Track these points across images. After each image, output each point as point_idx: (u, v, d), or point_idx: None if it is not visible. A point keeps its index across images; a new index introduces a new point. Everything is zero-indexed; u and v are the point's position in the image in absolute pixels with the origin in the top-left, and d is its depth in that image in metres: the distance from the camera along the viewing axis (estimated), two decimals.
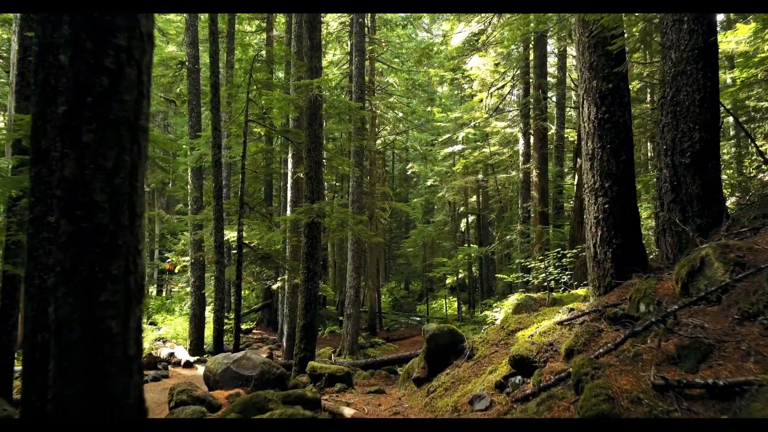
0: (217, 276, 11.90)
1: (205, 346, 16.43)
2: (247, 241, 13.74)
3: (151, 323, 19.13)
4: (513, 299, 12.59)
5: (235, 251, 14.51)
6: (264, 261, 12.95)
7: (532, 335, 5.88)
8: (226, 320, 19.36)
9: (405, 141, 31.96)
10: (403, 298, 33.64)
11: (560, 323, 5.65)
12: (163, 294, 27.27)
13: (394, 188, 34.61)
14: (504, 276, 17.46)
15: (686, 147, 7.16)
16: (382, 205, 25.57)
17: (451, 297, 30.31)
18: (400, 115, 25.39)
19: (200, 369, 14.69)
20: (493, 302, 24.76)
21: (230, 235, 14.36)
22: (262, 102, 12.98)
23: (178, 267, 21.15)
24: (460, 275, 27.90)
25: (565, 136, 21.50)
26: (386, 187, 25.55)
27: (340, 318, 19.91)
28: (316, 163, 10.68)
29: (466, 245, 28.02)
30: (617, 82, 5.96)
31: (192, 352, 15.41)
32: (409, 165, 32.99)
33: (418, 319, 29.05)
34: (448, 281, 30.23)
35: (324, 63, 24.67)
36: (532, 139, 16.33)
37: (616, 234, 5.76)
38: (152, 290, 28.07)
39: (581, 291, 12.48)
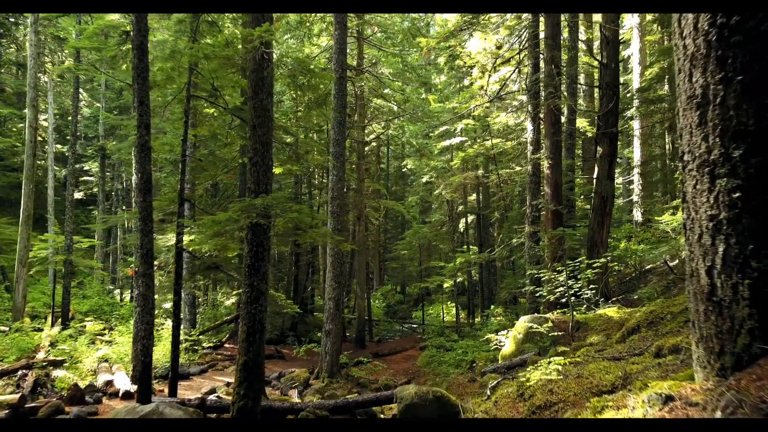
0: (143, 293, 8.94)
1: (154, 369, 13.50)
2: (194, 248, 10.79)
3: (100, 341, 16.17)
4: (523, 321, 9.60)
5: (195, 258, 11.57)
6: (212, 271, 9.98)
7: None
8: (188, 338, 16.41)
9: (401, 136, 28.94)
10: (398, 303, 30.60)
11: None
12: None
13: (389, 186, 31.64)
14: (513, 305, 14.46)
15: None
16: (373, 204, 22.61)
17: (449, 303, 27.30)
18: (395, 107, 22.39)
19: None
20: (494, 310, 21.73)
21: (187, 239, 11.41)
22: (205, 69, 10.03)
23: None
24: (459, 279, 24.87)
25: (578, 126, 18.52)
26: (377, 184, 22.56)
27: (318, 335, 16.93)
28: (262, 145, 7.72)
29: (465, 247, 25.02)
30: None
31: (135, 379, 12.45)
32: (405, 161, 29.97)
33: (414, 326, 26.10)
34: (445, 285, 27.23)
35: (309, 49, 21.73)
36: (542, 124, 13.34)
37: (757, 249, 2.80)
38: (126, 296, 25.11)
39: (612, 311, 9.45)
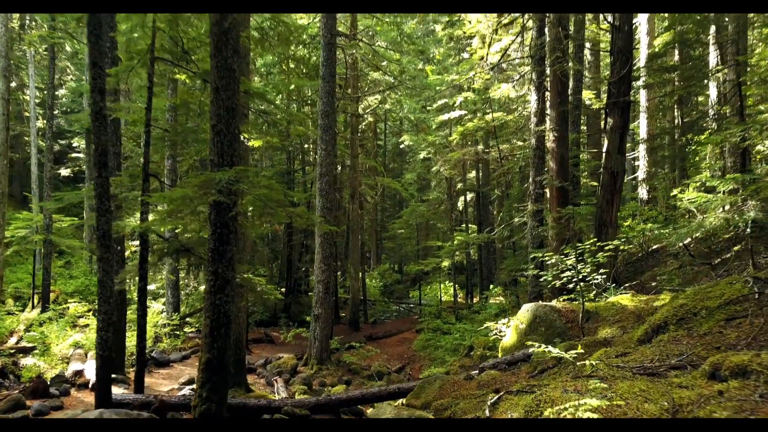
0: (100, 279, 7.85)
1: (133, 356, 12.52)
2: (165, 228, 9.69)
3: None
4: (525, 311, 8.56)
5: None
6: (182, 254, 8.90)
7: None
8: (169, 322, 15.44)
9: (398, 111, 27.61)
10: (396, 282, 29.62)
11: None
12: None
13: (386, 163, 30.45)
14: (513, 287, 13.32)
15: None
16: (369, 181, 21.49)
17: (447, 282, 26.33)
18: (391, 79, 21.07)
19: (116, 390, 10.76)
20: (493, 291, 20.75)
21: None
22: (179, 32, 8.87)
23: (127, 252, 17.08)
24: (457, 258, 23.81)
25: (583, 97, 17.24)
26: (373, 161, 21.40)
27: (308, 319, 15.91)
28: (227, 110, 6.58)
29: (464, 226, 23.95)
30: None
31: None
32: (402, 137, 28.69)
33: (411, 306, 25.17)
34: (443, 265, 26.30)
35: (299, 21, 20.36)
36: (547, 93, 12.13)
37: None
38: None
39: (625, 299, 8.37)
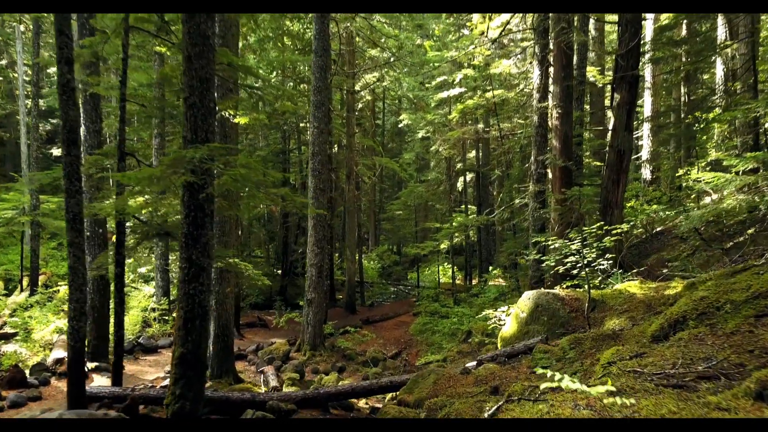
0: (71, 265, 7.26)
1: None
2: (145, 211, 9.07)
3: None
4: (526, 298, 7.99)
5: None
6: (162, 238, 8.31)
7: None
8: (158, 307, 14.93)
9: (397, 89, 26.71)
10: (394, 264, 29.08)
11: None
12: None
13: (385, 143, 29.69)
14: (513, 270, 12.70)
15: None
16: (367, 161, 20.81)
17: (445, 264, 25.80)
18: (388, 54, 20.25)
19: (98, 380, 10.30)
20: (492, 273, 20.22)
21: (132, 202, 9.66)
22: None
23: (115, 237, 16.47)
24: (456, 240, 23.21)
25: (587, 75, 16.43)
26: (370, 140, 20.67)
27: (301, 303, 15.37)
28: (200, 81, 5.92)
29: (463, 207, 23.33)
30: None
31: (91, 356, 10.96)
32: (401, 116, 27.88)
33: (409, 288, 24.68)
34: (442, 246, 25.76)
35: None
36: (551, 68, 11.39)
37: None
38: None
39: (633, 287, 7.76)
